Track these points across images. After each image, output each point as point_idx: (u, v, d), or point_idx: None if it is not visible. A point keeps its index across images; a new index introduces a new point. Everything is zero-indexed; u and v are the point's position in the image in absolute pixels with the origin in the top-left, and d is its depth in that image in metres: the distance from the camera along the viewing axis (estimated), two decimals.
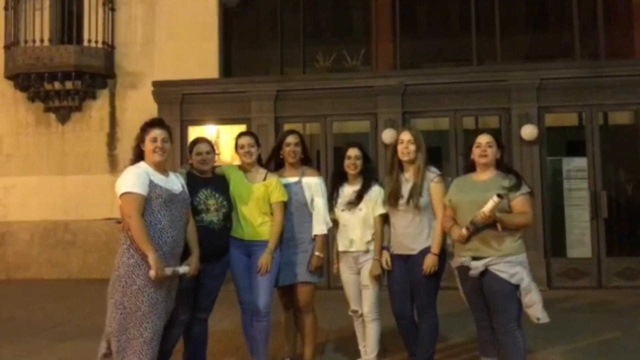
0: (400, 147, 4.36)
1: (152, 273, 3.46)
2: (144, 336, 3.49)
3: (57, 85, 10.45)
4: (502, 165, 4.08)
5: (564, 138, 10.18)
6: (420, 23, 11.86)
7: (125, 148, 10.44)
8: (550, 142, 9.01)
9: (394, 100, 9.05)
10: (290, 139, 4.66)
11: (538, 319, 3.78)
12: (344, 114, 9.34)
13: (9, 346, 5.69)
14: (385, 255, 4.43)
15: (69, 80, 10.39)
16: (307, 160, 4.80)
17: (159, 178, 3.68)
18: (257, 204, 4.39)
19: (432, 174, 4.34)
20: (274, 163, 4.79)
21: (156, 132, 3.71)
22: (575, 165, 8.98)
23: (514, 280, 3.77)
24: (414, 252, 4.28)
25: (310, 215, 4.57)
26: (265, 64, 11.33)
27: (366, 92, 9.11)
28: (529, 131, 8.60)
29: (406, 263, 4.33)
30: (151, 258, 3.48)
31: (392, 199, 4.37)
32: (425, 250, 4.24)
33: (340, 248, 4.63)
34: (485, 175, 4.03)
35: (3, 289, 9.50)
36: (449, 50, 11.26)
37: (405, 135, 4.38)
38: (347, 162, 4.58)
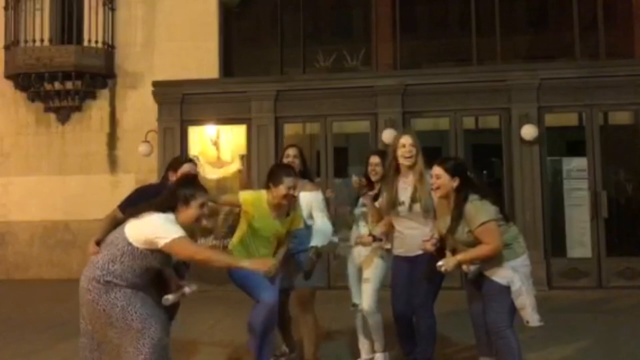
0: (402, 152, 4.31)
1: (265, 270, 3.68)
2: (143, 353, 3.35)
3: (57, 85, 10.42)
4: (460, 196, 3.90)
5: (564, 138, 10.18)
6: (420, 23, 11.86)
7: (125, 148, 10.44)
8: (550, 142, 9.01)
9: (394, 100, 9.04)
10: (289, 151, 4.82)
11: (527, 322, 3.85)
12: (344, 114, 9.34)
13: (9, 346, 5.70)
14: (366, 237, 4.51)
15: (69, 80, 10.36)
16: (307, 175, 4.86)
17: None
18: (276, 237, 4.40)
19: (429, 177, 4.27)
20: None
21: (205, 200, 3.61)
22: (575, 165, 8.97)
23: (504, 282, 3.82)
24: (421, 252, 4.25)
25: (304, 225, 4.61)
26: (265, 64, 11.32)
27: (366, 92, 9.11)
28: (529, 131, 8.59)
29: (410, 263, 4.31)
30: (248, 265, 3.62)
31: (391, 206, 4.35)
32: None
33: (351, 242, 4.75)
34: (452, 203, 3.96)
35: (3, 289, 9.50)
36: (449, 50, 11.26)
37: (407, 140, 4.33)
38: (369, 169, 4.72)
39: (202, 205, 3.57)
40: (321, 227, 4.62)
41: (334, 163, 9.23)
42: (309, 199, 4.65)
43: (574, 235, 8.83)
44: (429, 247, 4.08)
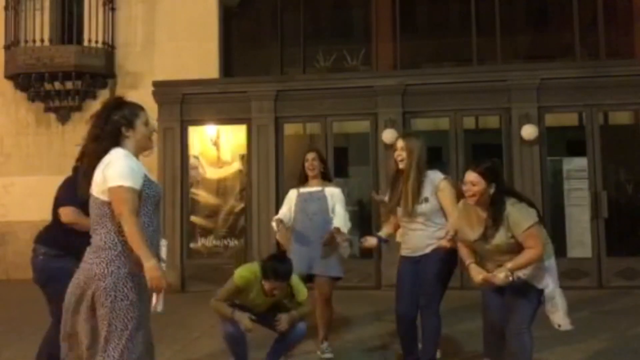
0: (395, 155, 4.34)
1: (157, 284, 2.89)
2: (129, 328, 2.91)
3: (57, 85, 10.43)
4: (498, 202, 3.70)
5: (564, 138, 10.18)
6: (420, 23, 11.86)
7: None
8: (550, 142, 9.01)
9: (394, 100, 9.04)
10: (308, 155, 5.23)
11: (559, 326, 3.79)
12: (344, 114, 9.33)
13: (9, 346, 5.69)
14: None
15: (69, 80, 10.37)
16: (327, 176, 5.31)
17: (148, 173, 3.18)
18: (272, 307, 4.47)
19: (436, 179, 4.29)
20: (301, 178, 5.28)
21: (149, 117, 3.30)
22: (575, 165, 8.97)
23: (540, 286, 3.77)
24: (427, 251, 4.26)
25: (331, 219, 5.04)
26: (265, 64, 11.32)
27: (366, 92, 9.10)
28: (529, 131, 8.60)
29: (415, 264, 4.31)
30: (150, 266, 2.88)
31: (393, 208, 4.37)
32: (438, 249, 4.22)
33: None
34: (484, 213, 3.75)
35: (3, 289, 9.49)
36: (449, 50, 11.26)
37: (399, 143, 4.36)
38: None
39: (147, 122, 3.20)
40: (342, 215, 5.05)
41: (334, 163, 9.23)
42: (333, 193, 5.17)
43: (574, 235, 8.83)
44: (445, 243, 4.09)
